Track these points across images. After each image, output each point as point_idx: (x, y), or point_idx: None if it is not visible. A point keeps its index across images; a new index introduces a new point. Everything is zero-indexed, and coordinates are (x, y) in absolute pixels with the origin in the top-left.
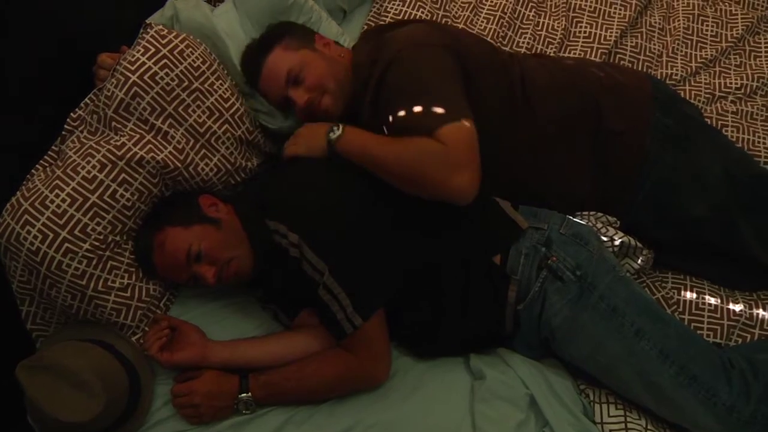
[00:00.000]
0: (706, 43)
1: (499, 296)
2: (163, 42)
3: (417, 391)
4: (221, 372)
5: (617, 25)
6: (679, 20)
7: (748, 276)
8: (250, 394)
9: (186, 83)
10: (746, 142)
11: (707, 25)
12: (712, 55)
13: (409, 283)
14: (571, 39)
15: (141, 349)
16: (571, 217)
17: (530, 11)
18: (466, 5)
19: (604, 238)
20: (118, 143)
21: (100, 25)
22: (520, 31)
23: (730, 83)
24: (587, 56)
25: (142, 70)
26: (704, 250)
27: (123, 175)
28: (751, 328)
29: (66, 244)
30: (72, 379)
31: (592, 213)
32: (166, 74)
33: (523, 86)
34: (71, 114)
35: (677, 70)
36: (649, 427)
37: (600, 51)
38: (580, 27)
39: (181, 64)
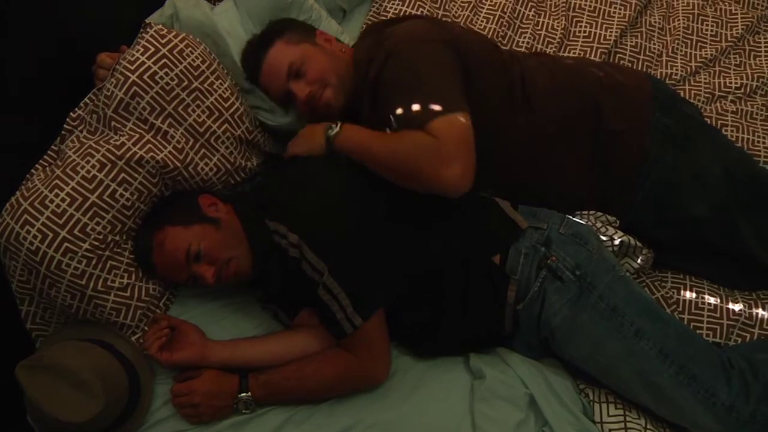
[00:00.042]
0: (706, 43)
1: (499, 296)
2: (163, 41)
3: (417, 391)
4: (221, 371)
5: (617, 24)
6: (678, 20)
7: (747, 275)
8: (249, 393)
9: (185, 83)
10: (746, 142)
11: (707, 25)
12: (711, 54)
13: (410, 285)
14: (570, 38)
15: (140, 349)
16: (570, 217)
17: (530, 11)
18: (466, 5)
19: (604, 238)
20: (118, 143)
21: (100, 25)
22: (520, 30)
23: (730, 83)
24: (587, 56)
25: (141, 69)
26: (704, 249)
27: (122, 174)
28: (751, 327)
29: (65, 244)
30: (72, 378)
31: (591, 212)
32: (166, 74)
33: (523, 86)
34: (71, 114)
35: (677, 69)
36: (648, 426)
37: (600, 51)
38: (580, 26)
39: (181, 63)
